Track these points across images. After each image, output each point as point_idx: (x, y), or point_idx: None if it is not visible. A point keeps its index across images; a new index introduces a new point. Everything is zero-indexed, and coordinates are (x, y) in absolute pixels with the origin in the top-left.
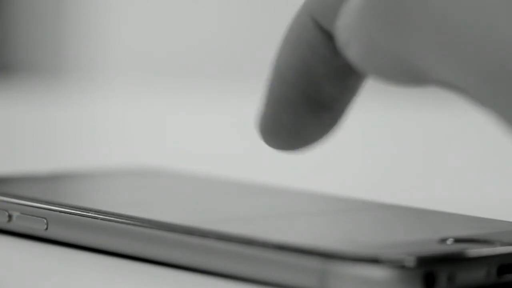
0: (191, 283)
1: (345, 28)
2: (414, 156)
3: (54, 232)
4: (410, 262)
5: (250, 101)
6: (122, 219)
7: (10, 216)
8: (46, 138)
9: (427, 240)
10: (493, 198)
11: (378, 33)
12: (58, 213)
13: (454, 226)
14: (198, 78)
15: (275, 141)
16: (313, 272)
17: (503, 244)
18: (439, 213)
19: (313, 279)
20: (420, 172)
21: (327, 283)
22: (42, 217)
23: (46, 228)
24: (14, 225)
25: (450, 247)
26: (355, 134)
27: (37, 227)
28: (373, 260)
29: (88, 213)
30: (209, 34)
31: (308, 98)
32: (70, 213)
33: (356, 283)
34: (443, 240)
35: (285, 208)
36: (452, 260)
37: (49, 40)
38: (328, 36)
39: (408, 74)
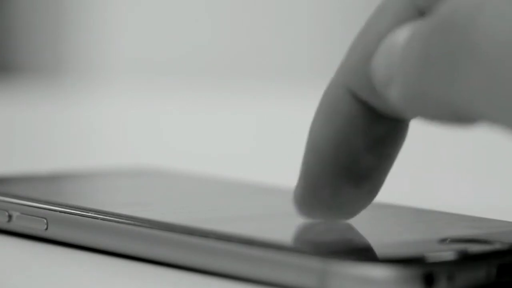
0: (191, 283)
1: (387, 68)
2: (414, 156)
3: (54, 232)
4: (410, 262)
5: (249, 101)
6: (122, 219)
7: (10, 216)
8: (46, 138)
9: (427, 240)
10: (493, 198)
11: (424, 76)
12: (58, 213)
13: (454, 226)
14: (197, 78)
15: (312, 214)
16: (313, 272)
17: (503, 244)
18: (439, 213)
19: (313, 279)
20: (420, 172)
21: (327, 283)
22: (42, 217)
23: (46, 228)
24: (14, 225)
25: (450, 247)
26: None
27: (37, 227)
28: (373, 260)
29: (88, 213)
30: (208, 35)
31: (347, 170)
32: (70, 213)
33: (356, 283)
34: (443, 240)
35: (285, 208)
36: (452, 260)
37: (49, 40)
38: (365, 107)
39: (453, 116)
